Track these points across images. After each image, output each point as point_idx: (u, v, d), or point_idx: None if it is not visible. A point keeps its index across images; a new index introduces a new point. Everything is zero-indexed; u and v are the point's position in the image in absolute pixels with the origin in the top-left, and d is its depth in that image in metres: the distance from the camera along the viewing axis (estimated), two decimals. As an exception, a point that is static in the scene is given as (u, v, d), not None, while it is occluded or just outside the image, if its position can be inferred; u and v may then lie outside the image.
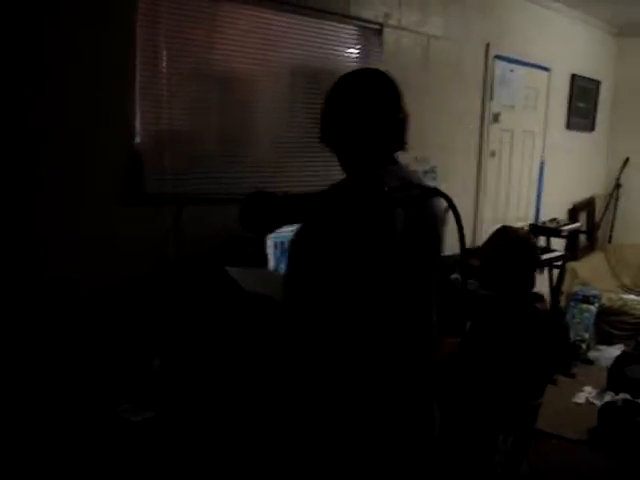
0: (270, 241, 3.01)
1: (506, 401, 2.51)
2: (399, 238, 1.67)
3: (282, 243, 3.05)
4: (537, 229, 5.14)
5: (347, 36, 3.56)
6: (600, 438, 3.80)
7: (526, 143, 5.33)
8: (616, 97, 6.70)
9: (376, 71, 1.88)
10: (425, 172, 4.24)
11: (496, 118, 4.85)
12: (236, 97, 3.07)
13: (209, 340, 2.73)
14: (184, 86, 2.83)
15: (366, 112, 1.78)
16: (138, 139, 2.70)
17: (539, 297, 2.66)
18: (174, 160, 2.82)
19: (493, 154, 4.91)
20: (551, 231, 5.10)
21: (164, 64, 2.74)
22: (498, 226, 2.81)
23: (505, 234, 2.71)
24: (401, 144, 1.84)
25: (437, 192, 1.63)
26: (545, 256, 4.80)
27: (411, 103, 1.89)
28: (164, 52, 2.72)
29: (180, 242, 2.81)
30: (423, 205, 1.77)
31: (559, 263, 5.01)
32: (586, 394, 4.62)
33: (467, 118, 4.61)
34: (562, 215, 6.01)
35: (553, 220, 5.40)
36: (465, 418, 2.56)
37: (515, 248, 2.63)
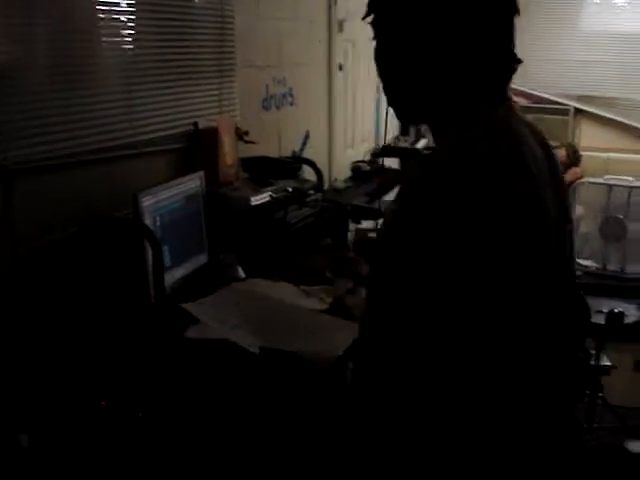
0: (149, 216, 2.10)
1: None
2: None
3: (163, 216, 2.17)
4: (389, 151, 4.58)
5: None
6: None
7: (364, 55, 4.70)
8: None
9: None
10: (283, 95, 3.48)
11: (341, 26, 4.14)
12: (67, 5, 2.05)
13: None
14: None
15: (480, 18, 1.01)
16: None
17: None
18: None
19: (341, 68, 4.22)
20: (407, 151, 4.57)
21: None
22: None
23: None
24: (512, 70, 1.06)
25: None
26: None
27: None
28: None
29: (18, 233, 1.86)
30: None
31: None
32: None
33: (317, 28, 3.86)
34: (395, 131, 5.54)
35: (399, 138, 4.88)
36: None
37: None
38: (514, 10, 1.03)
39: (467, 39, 1.00)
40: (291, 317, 1.78)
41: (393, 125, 5.44)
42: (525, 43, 6.02)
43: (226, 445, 1.90)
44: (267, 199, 2.55)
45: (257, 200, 2.49)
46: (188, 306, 1.87)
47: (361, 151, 4.66)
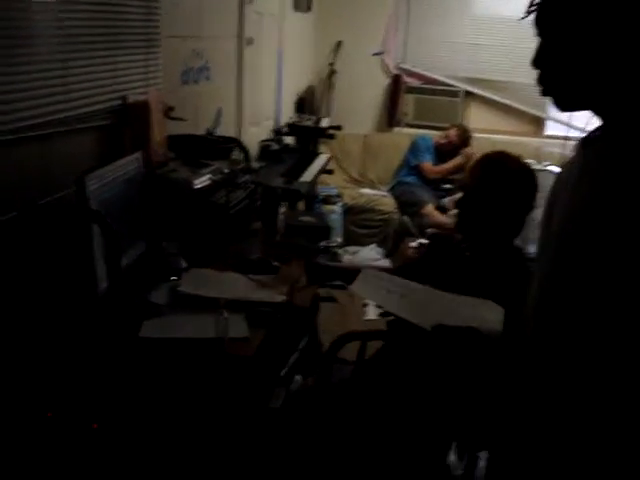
0: (95, 201, 1.88)
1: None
2: None
3: (107, 201, 1.96)
4: (296, 129, 4.45)
5: None
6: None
7: (271, 28, 4.53)
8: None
9: None
10: (200, 69, 3.27)
11: (251, -3, 3.95)
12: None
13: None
14: None
15: None
16: None
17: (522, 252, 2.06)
18: None
19: (250, 42, 4.03)
20: (312, 130, 4.45)
21: None
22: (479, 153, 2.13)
23: (503, 162, 2.02)
24: None
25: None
26: (318, 162, 4.19)
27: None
28: None
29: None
30: None
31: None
32: (373, 308, 4.23)
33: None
34: (292, 108, 5.41)
35: (303, 117, 4.76)
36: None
37: (518, 182, 1.97)
38: None
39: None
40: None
41: (289, 103, 5.33)
42: (417, 25, 6.10)
43: (192, 456, 1.75)
44: (208, 182, 2.37)
45: (199, 183, 2.30)
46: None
47: (265, 129, 4.51)
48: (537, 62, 1.07)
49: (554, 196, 1.15)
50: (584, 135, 1.12)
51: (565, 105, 1.09)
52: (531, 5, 1.07)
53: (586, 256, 0.99)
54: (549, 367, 1.07)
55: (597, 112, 1.08)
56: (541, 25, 1.07)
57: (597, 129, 1.09)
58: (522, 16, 1.09)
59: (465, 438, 2.00)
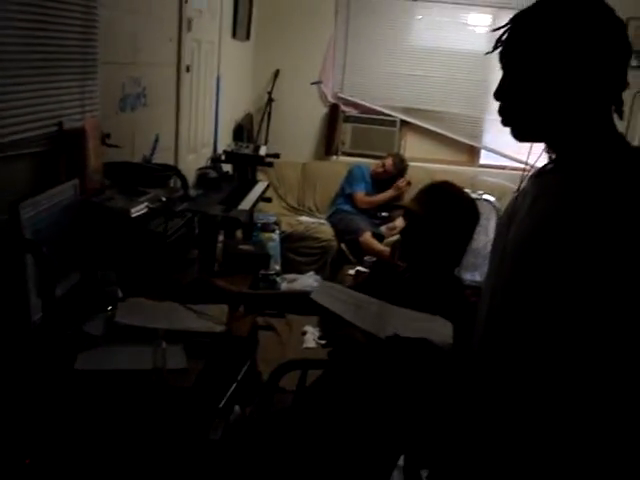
0: (29, 230, 1.83)
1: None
2: None
3: (42, 230, 1.91)
4: (235, 157, 4.44)
5: None
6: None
7: (209, 56, 4.54)
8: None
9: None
10: (137, 96, 3.24)
11: (190, 25, 3.95)
12: None
13: None
14: None
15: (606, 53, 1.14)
16: None
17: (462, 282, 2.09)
18: None
19: (188, 69, 4.02)
20: (250, 158, 4.44)
21: None
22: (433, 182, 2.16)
23: (447, 192, 2.05)
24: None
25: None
26: (257, 190, 4.19)
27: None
28: None
29: None
30: None
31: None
32: (312, 336, 4.23)
33: (168, 25, 3.64)
34: (229, 136, 5.41)
35: (241, 144, 4.75)
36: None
37: (464, 212, 2.00)
38: (629, 54, 1.14)
39: (591, 79, 1.11)
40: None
41: (226, 130, 5.33)
42: (355, 55, 6.19)
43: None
44: (145, 210, 2.34)
45: (136, 211, 2.27)
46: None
47: (203, 157, 4.49)
48: (499, 94, 1.18)
49: (509, 219, 1.24)
50: (538, 168, 1.23)
51: (522, 136, 1.19)
52: (498, 41, 1.17)
53: (541, 269, 1.08)
54: (500, 377, 1.16)
55: (550, 144, 1.19)
56: (505, 61, 1.17)
57: (549, 162, 1.20)
58: (488, 51, 1.22)
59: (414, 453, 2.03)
